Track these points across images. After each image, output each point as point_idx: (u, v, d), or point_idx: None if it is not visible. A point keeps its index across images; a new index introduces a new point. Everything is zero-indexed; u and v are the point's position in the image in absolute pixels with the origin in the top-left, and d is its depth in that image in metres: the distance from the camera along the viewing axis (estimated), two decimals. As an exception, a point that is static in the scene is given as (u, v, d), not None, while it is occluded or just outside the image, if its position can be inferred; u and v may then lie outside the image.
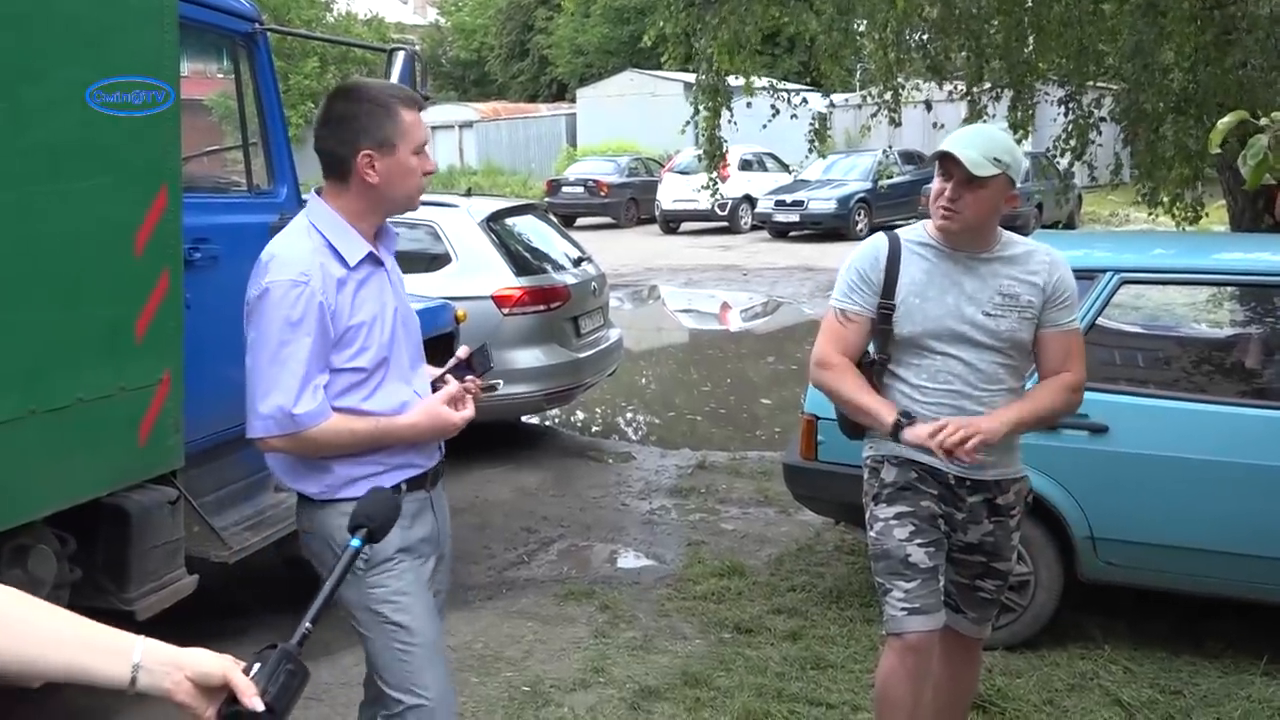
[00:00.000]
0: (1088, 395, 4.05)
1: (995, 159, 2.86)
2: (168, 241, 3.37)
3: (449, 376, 2.65)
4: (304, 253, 2.44)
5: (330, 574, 1.73)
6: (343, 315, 2.44)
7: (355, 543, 1.88)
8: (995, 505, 3.07)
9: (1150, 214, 9.49)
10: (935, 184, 2.97)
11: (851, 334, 3.05)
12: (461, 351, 2.71)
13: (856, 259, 3.08)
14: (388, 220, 2.62)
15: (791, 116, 9.99)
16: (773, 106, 9.95)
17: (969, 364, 2.97)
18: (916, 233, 3.08)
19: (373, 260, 2.52)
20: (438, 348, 5.60)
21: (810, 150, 10.52)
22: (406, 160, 2.48)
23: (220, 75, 5.04)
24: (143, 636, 1.38)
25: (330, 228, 2.49)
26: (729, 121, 9.51)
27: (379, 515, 1.98)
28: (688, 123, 10.19)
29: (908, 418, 2.95)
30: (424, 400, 2.58)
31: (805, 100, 10.32)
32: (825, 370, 3.07)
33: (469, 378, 2.67)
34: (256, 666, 1.43)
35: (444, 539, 2.76)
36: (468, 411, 2.63)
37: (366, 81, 2.60)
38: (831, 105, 10.15)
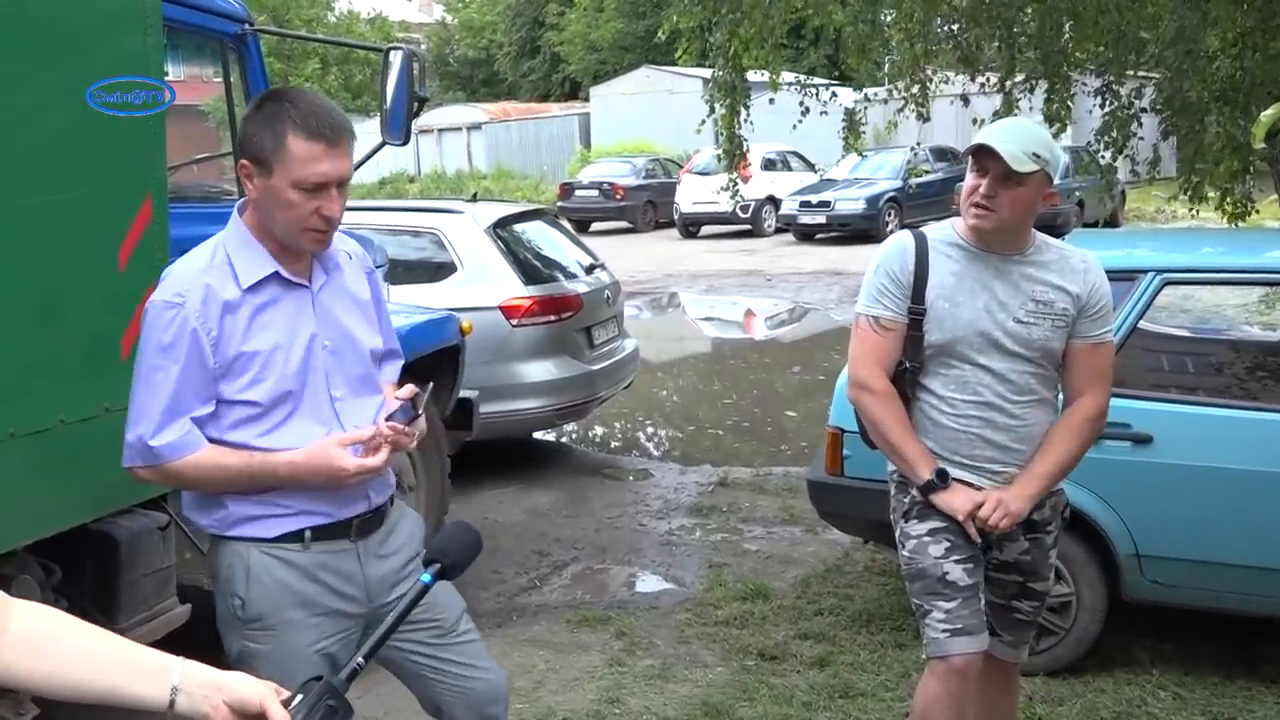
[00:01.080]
0: (1130, 404, 4.07)
1: (1034, 154, 2.83)
2: (154, 253, 3.37)
3: (379, 420, 2.46)
4: (193, 271, 2.35)
5: (396, 608, 1.71)
6: (230, 341, 2.33)
7: (425, 578, 1.84)
8: (1031, 521, 3.05)
9: (1192, 209, 9.44)
10: (968, 180, 2.94)
11: (890, 343, 3.01)
12: (404, 391, 2.52)
13: (884, 260, 3.04)
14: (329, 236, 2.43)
15: (822, 113, 9.98)
16: (801, 104, 9.94)
17: (999, 374, 2.95)
18: (944, 232, 3.05)
19: (281, 282, 2.39)
20: (441, 361, 5.64)
21: (845, 149, 10.50)
22: (282, 190, 2.31)
23: (208, 79, 5.06)
24: (182, 658, 1.42)
25: (235, 244, 2.39)
26: (746, 120, 9.51)
27: (454, 551, 1.94)
28: (704, 121, 10.20)
29: (942, 479, 2.96)
30: (318, 440, 2.39)
31: (835, 95, 10.31)
32: (869, 396, 3.03)
33: (391, 422, 2.44)
34: (299, 699, 1.44)
35: (383, 602, 2.50)
36: (370, 460, 2.39)
37: (291, 92, 2.42)
38: (867, 99, 10.13)
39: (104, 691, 1.38)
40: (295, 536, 2.42)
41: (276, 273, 2.39)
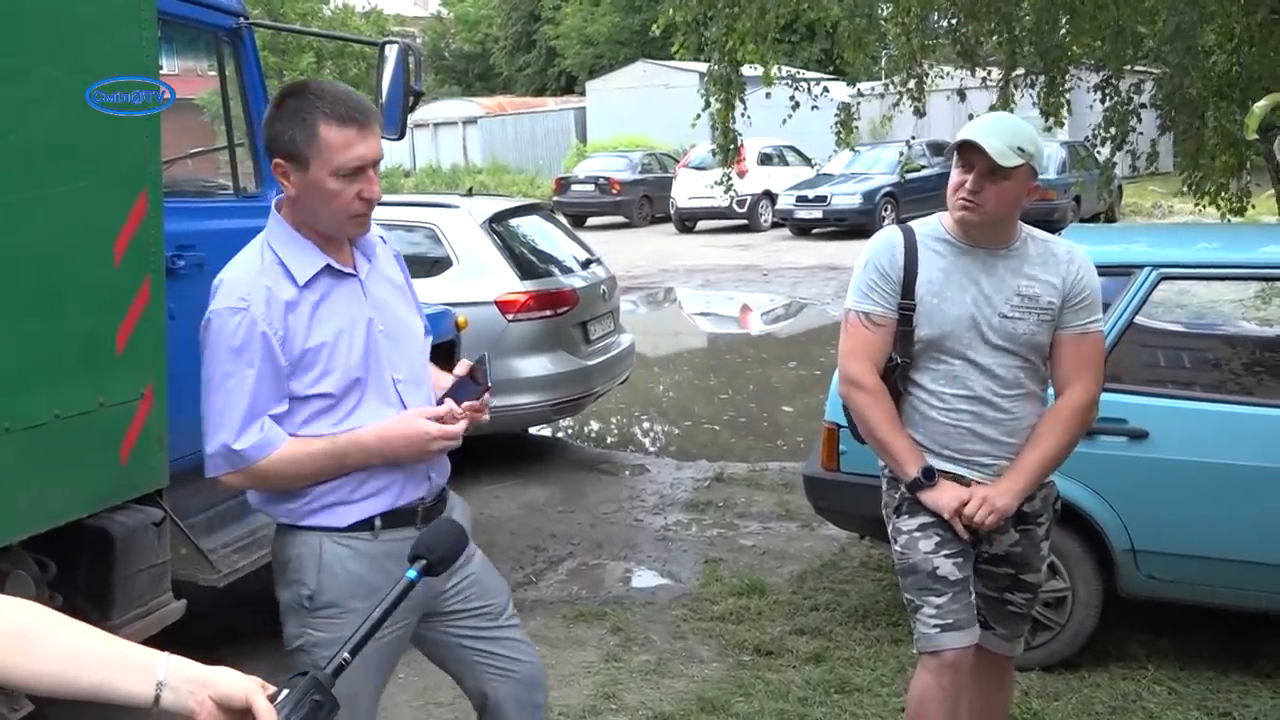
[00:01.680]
0: (1126, 399, 4.08)
1: (1019, 149, 2.85)
2: (149, 248, 3.38)
3: (448, 400, 2.51)
4: (249, 275, 2.37)
5: (380, 603, 1.72)
6: (296, 339, 2.36)
7: (412, 574, 1.85)
8: (1021, 513, 3.06)
9: (1197, 205, 9.45)
10: (954, 175, 2.95)
11: (881, 339, 3.02)
12: (460, 367, 2.59)
13: (872, 255, 3.05)
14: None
15: (813, 108, 9.98)
16: (793, 98, 9.94)
17: (987, 369, 2.96)
18: (932, 227, 3.06)
19: (333, 273, 2.43)
20: (438, 356, 5.63)
21: (838, 144, 10.51)
22: (321, 181, 2.34)
23: (203, 73, 5.05)
24: (167, 653, 1.42)
25: (282, 243, 2.41)
26: (743, 115, 9.51)
27: (440, 547, 1.95)
28: (698, 116, 10.20)
29: (929, 477, 2.97)
30: (401, 413, 2.46)
31: (827, 90, 10.32)
32: (859, 392, 3.04)
33: (468, 399, 2.51)
34: (284, 693, 1.44)
35: (440, 590, 2.57)
36: (454, 427, 2.46)
37: (311, 84, 2.45)
38: (859, 94, 10.14)
39: (90, 687, 1.38)
40: (365, 525, 2.45)
41: (328, 265, 2.43)
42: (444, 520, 2.02)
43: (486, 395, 2.56)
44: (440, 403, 2.51)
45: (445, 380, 2.60)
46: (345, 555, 2.44)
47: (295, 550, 2.47)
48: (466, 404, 2.50)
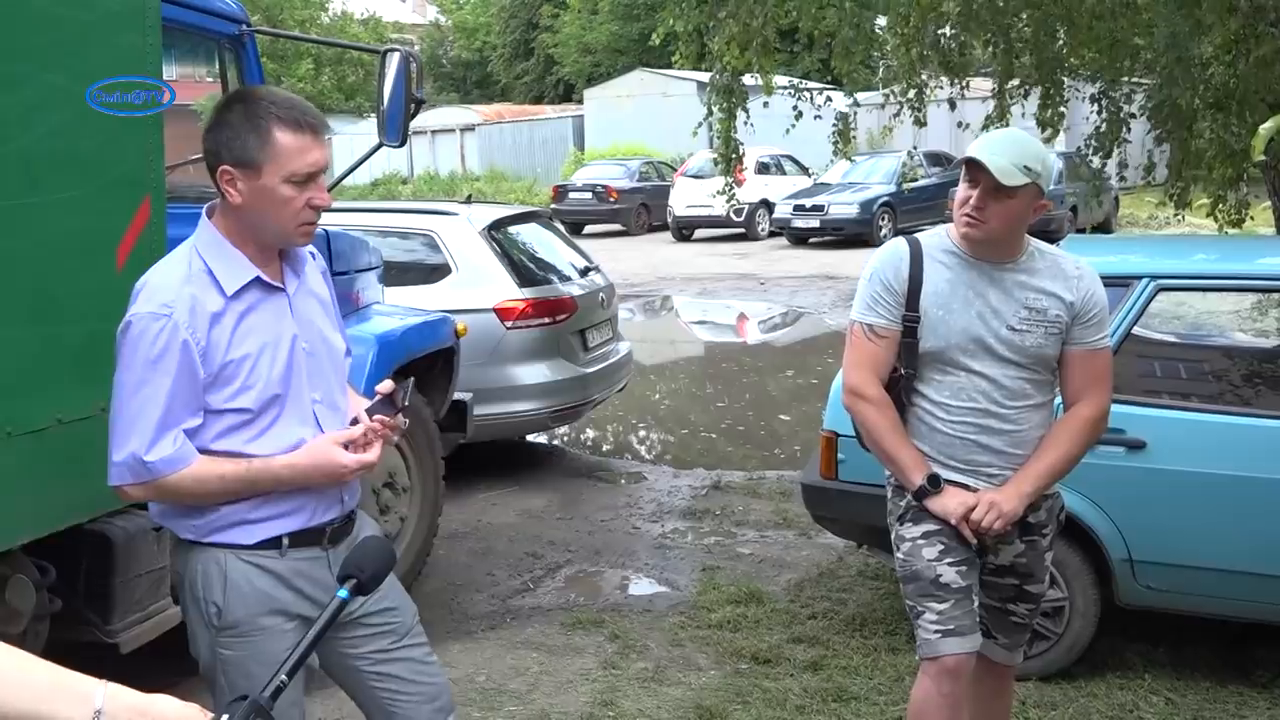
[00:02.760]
0: (1124, 410, 4.08)
1: (1025, 167, 2.86)
2: (151, 253, 3.37)
3: (362, 415, 2.47)
4: (174, 281, 2.30)
5: (314, 624, 1.72)
6: (217, 351, 2.30)
7: (342, 594, 1.87)
8: (1027, 524, 3.07)
9: (1176, 215, 9.48)
10: (960, 190, 2.96)
11: (884, 351, 3.03)
12: (384, 386, 2.53)
13: (878, 267, 3.06)
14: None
15: (815, 117, 9.98)
16: (795, 108, 9.96)
17: (994, 380, 2.97)
18: (938, 239, 3.07)
19: (262, 286, 2.38)
20: (436, 364, 5.65)
21: (835, 153, 10.52)
22: (274, 187, 2.30)
23: (205, 79, 5.06)
24: (105, 681, 1.39)
25: (211, 251, 2.35)
26: (745, 123, 9.52)
27: (370, 566, 1.95)
28: (700, 124, 10.20)
29: (934, 484, 2.98)
30: (314, 439, 2.40)
31: (829, 100, 10.33)
32: (863, 403, 3.06)
33: (378, 416, 2.46)
34: (224, 718, 1.44)
35: (350, 610, 2.46)
36: (367, 455, 2.41)
37: (261, 90, 2.42)
38: (856, 104, 10.15)
39: (23, 713, 1.34)
40: (273, 543, 2.40)
41: (258, 277, 2.37)
42: (372, 538, 2.01)
43: (399, 418, 2.50)
44: (355, 421, 2.47)
45: (362, 405, 2.55)
46: (252, 573, 2.38)
47: (200, 566, 2.40)
48: (377, 417, 2.45)
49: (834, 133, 10.01)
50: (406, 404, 2.51)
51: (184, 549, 2.46)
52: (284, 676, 1.62)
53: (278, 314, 2.40)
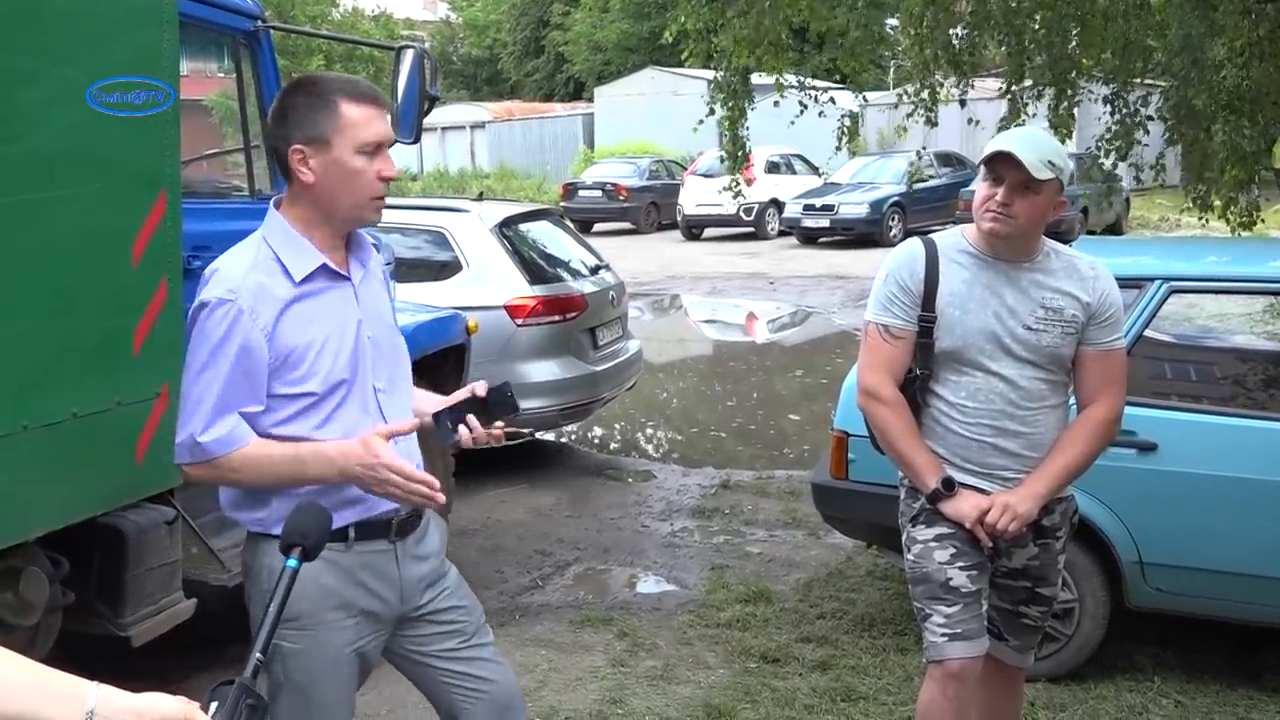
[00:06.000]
0: (1135, 411, 4.07)
1: (1049, 162, 2.86)
2: (167, 249, 3.40)
3: (443, 417, 2.44)
4: (242, 268, 2.34)
5: (271, 600, 1.72)
6: (284, 336, 2.33)
7: (292, 563, 1.86)
8: (1040, 527, 3.07)
9: (1201, 219, 9.45)
10: (982, 188, 2.95)
11: (900, 352, 3.03)
12: (479, 388, 2.50)
13: (893, 268, 3.06)
14: (361, 230, 2.50)
15: (820, 114, 9.99)
16: (800, 104, 9.96)
17: (1010, 380, 2.97)
18: (954, 239, 3.07)
19: (328, 273, 2.41)
20: (447, 360, 5.66)
21: (838, 148, 10.53)
22: (346, 159, 2.34)
23: (221, 75, 5.08)
24: (97, 683, 1.38)
25: (279, 239, 2.38)
26: (744, 125, 9.53)
27: (313, 531, 1.95)
28: (701, 121, 10.19)
29: (948, 487, 2.98)
30: (368, 431, 2.37)
31: (833, 100, 10.34)
32: (878, 405, 3.05)
33: (469, 419, 2.44)
34: (214, 705, 1.45)
35: (415, 604, 2.54)
36: (416, 485, 2.34)
37: (319, 75, 2.48)
38: (864, 102, 10.16)
39: (13, 714, 1.33)
40: (339, 535, 2.39)
41: (325, 264, 2.40)
42: (307, 504, 2.01)
43: (499, 423, 2.49)
44: (438, 418, 2.46)
45: (431, 402, 2.54)
46: (318, 567, 2.34)
47: (266, 559, 2.41)
48: (498, 425, 2.46)
49: (839, 129, 10.02)
50: (518, 411, 2.50)
51: (251, 541, 2.49)
52: (259, 655, 1.63)
53: (344, 301, 2.43)
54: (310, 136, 2.33)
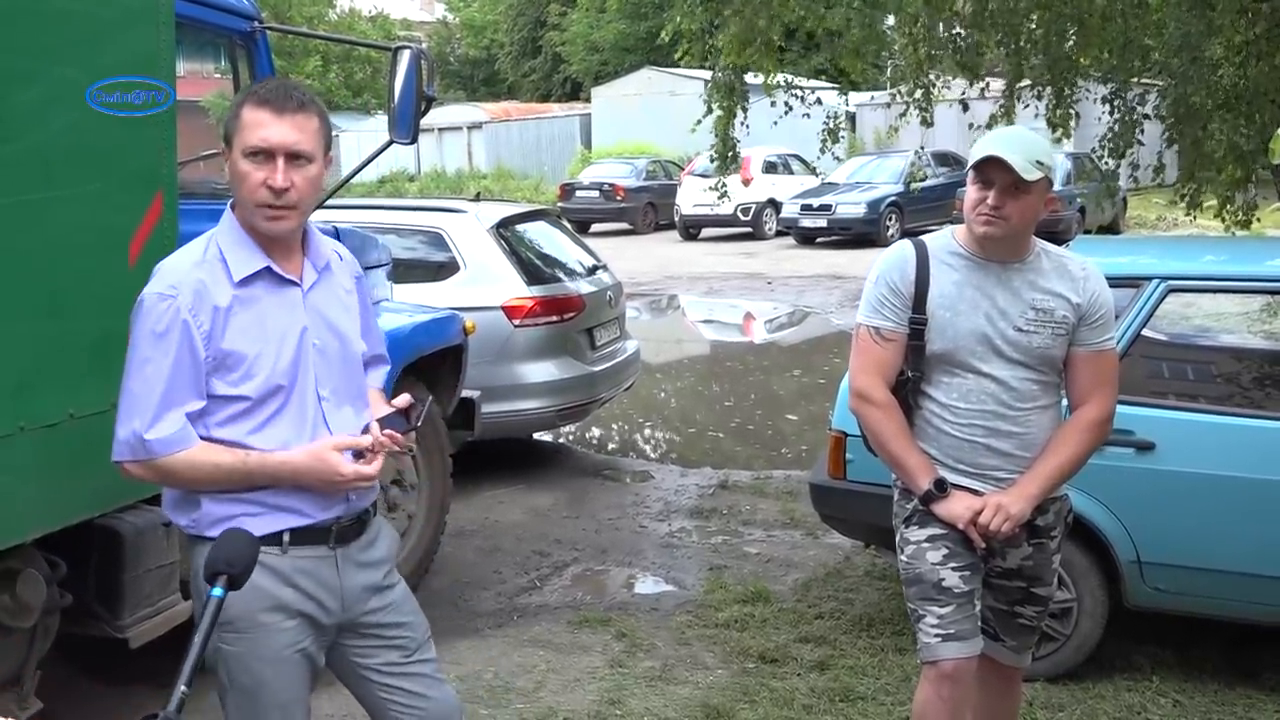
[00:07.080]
0: (1133, 411, 4.08)
1: (1038, 162, 2.87)
2: (163, 249, 3.38)
3: (373, 425, 2.47)
4: (186, 264, 2.36)
5: (196, 630, 1.71)
6: (222, 336, 2.33)
7: (217, 592, 1.86)
8: (1034, 526, 3.07)
9: (1189, 216, 9.47)
10: (972, 191, 2.96)
11: (891, 354, 3.04)
12: (400, 400, 2.53)
13: (884, 270, 3.07)
14: (322, 237, 2.50)
15: (805, 115, 10.00)
16: (786, 104, 9.97)
17: (1002, 382, 2.98)
18: (944, 241, 3.07)
19: (272, 277, 2.40)
20: (444, 360, 5.66)
21: (822, 149, 10.54)
22: (236, 162, 2.34)
23: (217, 75, 5.07)
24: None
25: (228, 239, 2.39)
26: (742, 124, 9.52)
27: (239, 560, 1.94)
28: (698, 122, 10.19)
29: (941, 488, 2.99)
30: (317, 441, 2.39)
31: (820, 101, 10.33)
32: (870, 407, 3.06)
33: (388, 430, 2.46)
34: None
35: (362, 611, 2.52)
36: (366, 469, 2.41)
37: (271, 81, 2.50)
38: (846, 103, 10.16)
39: None
40: (273, 539, 2.38)
41: (268, 268, 2.39)
42: (233, 532, 2.01)
43: (411, 435, 2.53)
44: (366, 430, 2.47)
45: (382, 410, 2.55)
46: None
47: (197, 561, 2.39)
48: (387, 432, 2.46)
49: (823, 130, 10.03)
50: (419, 423, 2.51)
51: (189, 542, 2.47)
52: (184, 688, 1.62)
53: (288, 306, 2.42)
54: (226, 137, 2.38)
